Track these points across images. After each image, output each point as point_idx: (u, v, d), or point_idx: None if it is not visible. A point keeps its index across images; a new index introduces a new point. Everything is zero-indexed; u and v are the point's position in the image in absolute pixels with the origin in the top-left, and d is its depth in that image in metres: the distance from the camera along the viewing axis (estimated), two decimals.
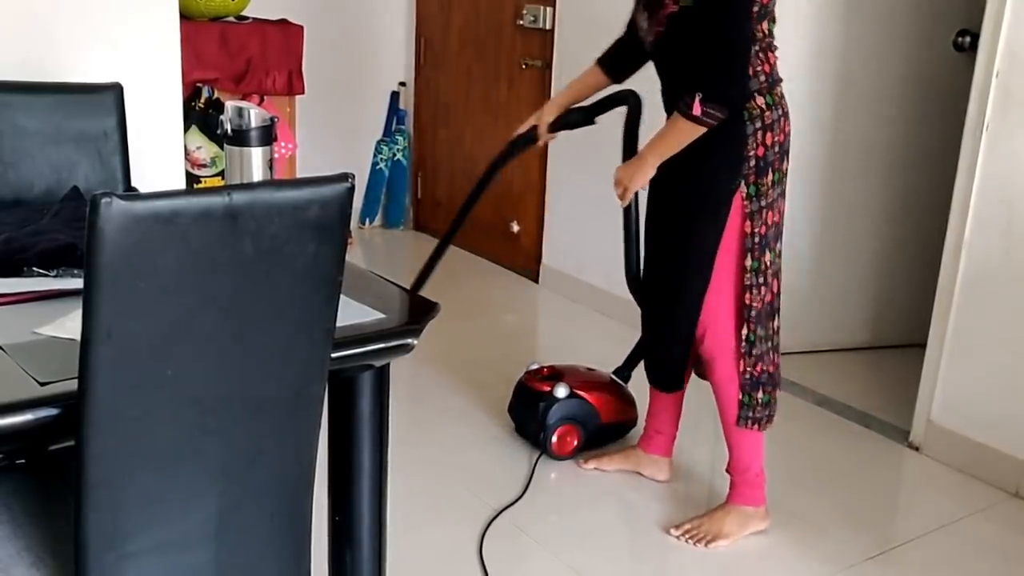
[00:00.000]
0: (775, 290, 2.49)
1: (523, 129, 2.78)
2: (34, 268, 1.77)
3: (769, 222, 2.42)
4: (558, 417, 2.90)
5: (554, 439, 2.91)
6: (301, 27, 4.27)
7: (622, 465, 2.87)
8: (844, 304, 3.78)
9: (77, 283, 1.45)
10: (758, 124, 2.36)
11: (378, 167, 5.23)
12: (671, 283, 2.52)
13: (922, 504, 2.95)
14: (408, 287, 1.91)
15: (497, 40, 4.65)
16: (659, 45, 2.40)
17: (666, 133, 2.39)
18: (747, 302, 2.44)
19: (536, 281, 4.55)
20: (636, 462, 2.85)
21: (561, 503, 2.80)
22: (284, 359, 1.41)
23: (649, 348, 2.75)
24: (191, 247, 1.26)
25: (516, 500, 2.72)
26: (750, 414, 2.51)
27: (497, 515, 2.64)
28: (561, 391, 2.90)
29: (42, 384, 1.36)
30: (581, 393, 2.93)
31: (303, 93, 4.31)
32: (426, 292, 1.88)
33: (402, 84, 5.24)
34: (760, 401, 2.50)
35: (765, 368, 2.49)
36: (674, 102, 2.36)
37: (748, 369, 2.48)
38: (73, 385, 1.28)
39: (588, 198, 4.16)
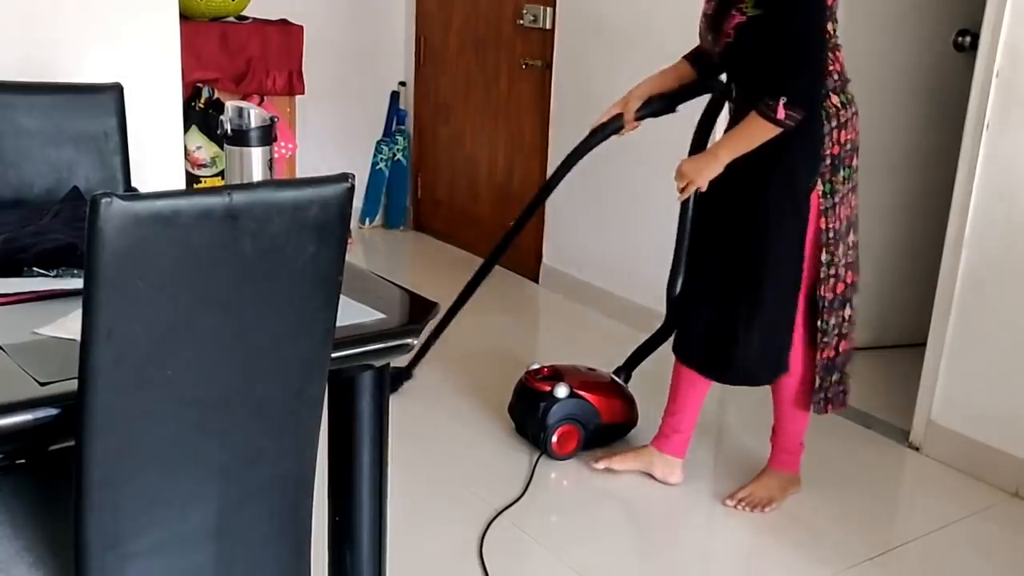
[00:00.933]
0: (848, 280, 2.57)
1: (606, 118, 2.75)
2: (34, 268, 1.77)
3: (842, 216, 2.49)
4: (558, 417, 2.90)
5: (554, 439, 2.90)
6: (301, 27, 4.27)
7: (634, 465, 2.85)
8: None
9: (77, 283, 1.45)
10: (834, 123, 2.42)
11: (378, 167, 5.23)
12: (755, 287, 2.51)
13: (922, 504, 2.95)
14: (411, 290, 1.91)
15: (497, 40, 4.65)
16: (729, 54, 2.44)
17: (742, 132, 2.41)
18: (821, 293, 2.52)
19: (536, 281, 4.55)
20: (649, 463, 2.83)
21: (562, 503, 2.80)
22: (284, 359, 1.41)
23: (730, 353, 2.60)
24: (191, 247, 1.26)
25: (516, 500, 2.72)
26: (822, 396, 2.62)
27: (497, 515, 2.64)
28: (561, 391, 2.90)
29: (42, 384, 1.36)
30: (581, 393, 2.93)
31: (303, 93, 4.31)
32: (427, 292, 1.87)
33: (402, 84, 5.24)
34: (820, 384, 2.61)
35: (827, 354, 2.59)
36: (746, 106, 2.39)
37: (820, 356, 2.58)
38: (73, 385, 1.28)
39: (588, 198, 4.16)
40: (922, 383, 3.08)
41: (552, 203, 4.40)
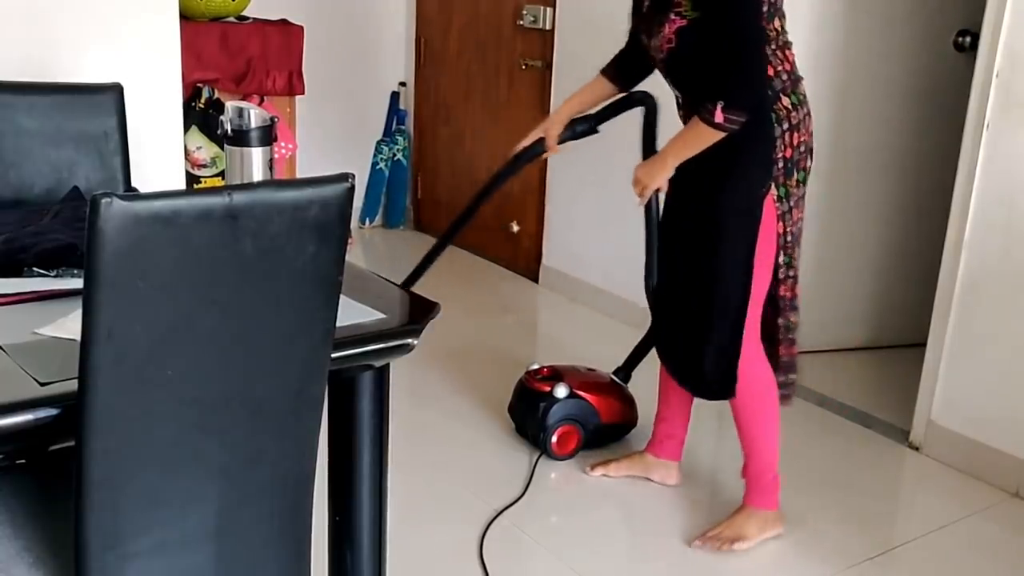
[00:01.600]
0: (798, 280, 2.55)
1: (528, 142, 2.74)
2: (34, 268, 1.77)
3: (796, 219, 2.45)
4: (558, 417, 2.90)
5: (554, 439, 2.90)
6: (301, 27, 4.27)
7: (630, 471, 2.84)
8: (845, 304, 3.78)
9: (77, 283, 1.45)
10: (785, 126, 2.35)
11: (378, 167, 5.23)
12: (706, 293, 2.46)
13: (922, 504, 2.95)
14: (411, 290, 1.91)
15: (497, 40, 4.65)
16: (671, 59, 2.36)
17: (687, 136, 2.35)
18: (781, 293, 2.48)
19: (536, 281, 4.55)
20: (645, 467, 2.82)
21: (561, 503, 2.80)
22: (284, 359, 1.41)
23: (689, 361, 2.57)
24: (191, 247, 1.26)
25: (516, 500, 2.72)
26: (785, 392, 2.58)
27: (497, 515, 2.64)
28: (561, 391, 2.90)
29: (42, 384, 1.36)
30: (581, 393, 2.93)
31: (303, 93, 4.31)
32: (427, 292, 1.88)
33: (402, 84, 5.24)
34: (787, 382, 2.59)
35: (791, 352, 2.56)
36: (692, 110, 2.32)
37: (787, 352, 2.55)
38: (73, 385, 1.28)
39: (588, 198, 4.16)
40: (922, 383, 3.08)
41: (552, 204, 4.41)
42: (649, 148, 2.70)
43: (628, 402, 3.02)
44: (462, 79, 4.92)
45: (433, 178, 5.23)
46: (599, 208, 4.12)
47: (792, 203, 2.41)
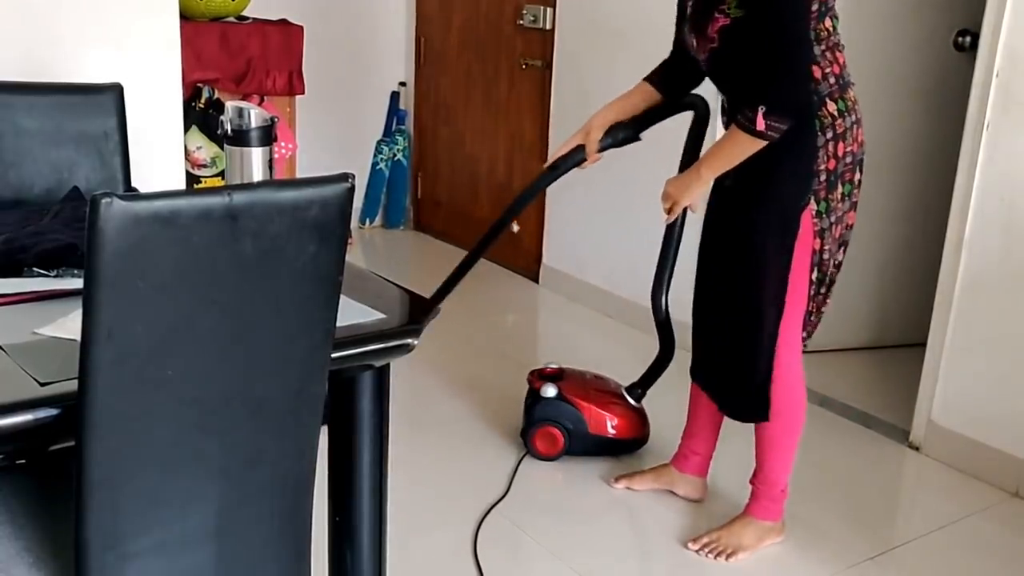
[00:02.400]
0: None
1: (566, 149, 2.57)
2: (34, 268, 1.77)
3: (836, 235, 2.33)
4: (540, 417, 2.89)
5: (534, 438, 2.90)
6: (301, 27, 4.27)
7: (654, 484, 2.76)
8: (845, 304, 3.77)
9: (77, 283, 1.45)
10: (829, 134, 2.22)
11: (378, 167, 5.23)
12: (744, 311, 2.36)
13: (922, 504, 2.95)
14: (411, 290, 1.91)
15: (497, 40, 4.65)
16: (714, 60, 2.26)
17: (725, 146, 2.23)
18: (809, 308, 2.39)
19: (536, 281, 4.55)
20: (669, 480, 2.75)
21: (562, 503, 2.80)
22: (284, 359, 1.41)
23: (726, 382, 2.52)
24: (191, 247, 1.26)
25: (500, 499, 2.71)
26: None
27: (485, 515, 2.63)
28: (549, 391, 2.87)
29: (42, 384, 1.36)
30: (571, 398, 2.87)
31: (303, 93, 4.31)
32: (426, 292, 1.88)
33: (402, 84, 5.24)
34: None
35: None
36: (733, 116, 2.21)
37: None
38: (73, 385, 1.28)
39: (588, 198, 4.16)
40: (922, 383, 3.08)
41: (552, 204, 4.41)
42: (690, 158, 2.54)
43: (634, 418, 2.93)
44: (462, 79, 4.92)
45: (433, 178, 5.24)
46: (599, 208, 4.13)
47: (833, 219, 2.29)
